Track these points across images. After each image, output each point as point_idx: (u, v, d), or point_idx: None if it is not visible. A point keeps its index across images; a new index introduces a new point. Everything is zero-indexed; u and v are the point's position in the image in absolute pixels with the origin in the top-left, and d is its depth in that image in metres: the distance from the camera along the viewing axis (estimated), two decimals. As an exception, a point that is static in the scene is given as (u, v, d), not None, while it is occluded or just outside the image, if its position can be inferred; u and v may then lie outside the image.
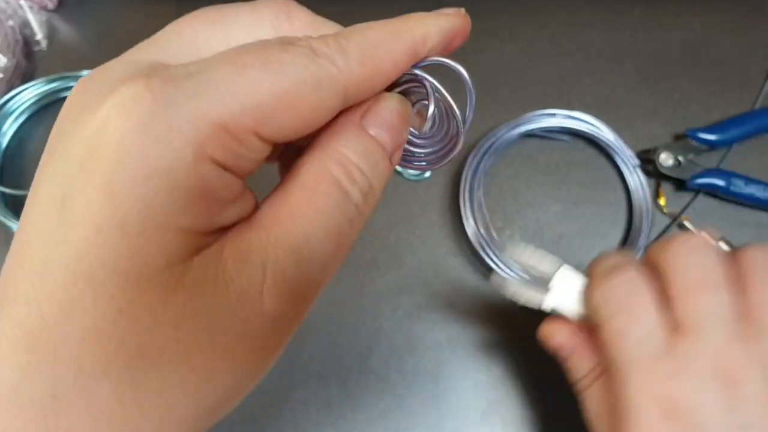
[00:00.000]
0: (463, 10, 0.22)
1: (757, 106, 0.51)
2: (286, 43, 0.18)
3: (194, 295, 0.16)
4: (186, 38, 0.19)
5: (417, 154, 0.23)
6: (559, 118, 0.49)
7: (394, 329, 0.45)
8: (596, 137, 0.49)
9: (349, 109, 0.19)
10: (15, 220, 0.46)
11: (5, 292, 0.16)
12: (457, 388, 0.43)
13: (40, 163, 0.18)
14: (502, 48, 0.54)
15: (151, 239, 0.16)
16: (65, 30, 0.55)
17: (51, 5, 0.55)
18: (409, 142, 0.22)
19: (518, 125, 0.49)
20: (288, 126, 0.17)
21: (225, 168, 0.17)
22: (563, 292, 0.33)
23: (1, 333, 0.16)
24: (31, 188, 0.17)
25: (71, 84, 0.51)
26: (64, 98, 0.55)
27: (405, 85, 0.21)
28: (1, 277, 0.17)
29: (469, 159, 0.48)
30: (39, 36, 0.54)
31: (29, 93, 0.51)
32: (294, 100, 0.17)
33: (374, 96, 0.20)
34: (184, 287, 0.16)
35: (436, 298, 0.45)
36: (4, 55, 0.51)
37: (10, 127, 0.51)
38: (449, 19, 0.22)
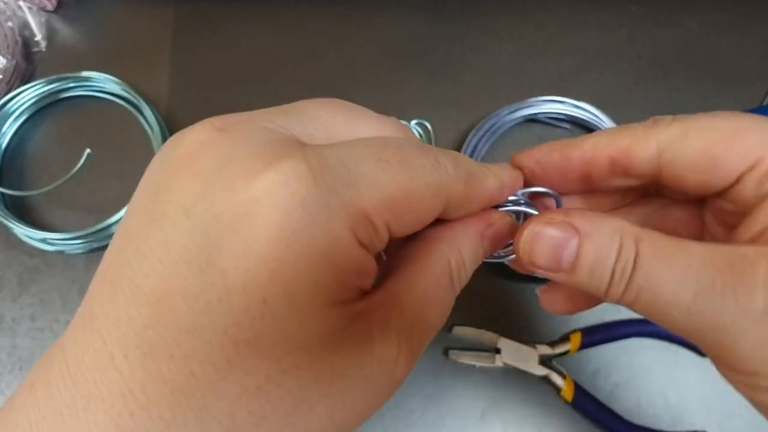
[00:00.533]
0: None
1: (765, 104, 0.51)
2: (416, 145, 0.20)
3: (349, 357, 0.18)
4: (324, 122, 0.21)
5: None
6: (563, 105, 0.49)
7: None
8: (598, 127, 0.49)
9: (473, 219, 0.23)
10: (14, 221, 0.46)
11: (137, 340, 0.16)
12: (456, 388, 0.43)
13: (146, 197, 0.19)
14: (500, 47, 0.54)
15: (319, 313, 0.17)
16: (65, 31, 0.55)
17: (50, 6, 0.55)
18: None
19: (522, 108, 0.49)
20: (409, 222, 0.20)
21: (366, 248, 0.19)
22: None
23: (138, 386, 0.16)
24: (139, 230, 0.18)
25: (71, 84, 0.51)
26: (64, 98, 0.55)
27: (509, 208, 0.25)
28: (129, 320, 0.17)
29: (469, 138, 0.48)
30: (38, 37, 0.54)
31: (29, 94, 0.51)
32: (419, 200, 0.20)
33: (496, 212, 0.24)
34: (341, 350, 0.18)
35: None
36: (4, 56, 0.51)
37: (10, 127, 0.51)
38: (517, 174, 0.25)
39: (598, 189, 0.25)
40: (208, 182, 0.17)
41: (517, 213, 0.25)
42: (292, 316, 0.17)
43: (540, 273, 0.22)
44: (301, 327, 0.17)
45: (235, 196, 0.17)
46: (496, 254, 0.25)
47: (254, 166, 0.17)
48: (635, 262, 0.20)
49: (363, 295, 0.20)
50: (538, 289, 0.28)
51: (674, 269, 0.19)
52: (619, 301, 0.21)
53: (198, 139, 0.19)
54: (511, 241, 0.25)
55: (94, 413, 0.16)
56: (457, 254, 0.22)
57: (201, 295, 0.16)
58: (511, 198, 0.24)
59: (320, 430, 0.18)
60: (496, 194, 0.23)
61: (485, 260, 0.25)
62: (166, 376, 0.16)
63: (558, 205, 0.25)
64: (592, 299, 0.26)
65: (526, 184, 0.25)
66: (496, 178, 0.23)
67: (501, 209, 0.24)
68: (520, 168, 0.25)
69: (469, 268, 0.23)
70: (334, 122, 0.21)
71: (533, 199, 0.25)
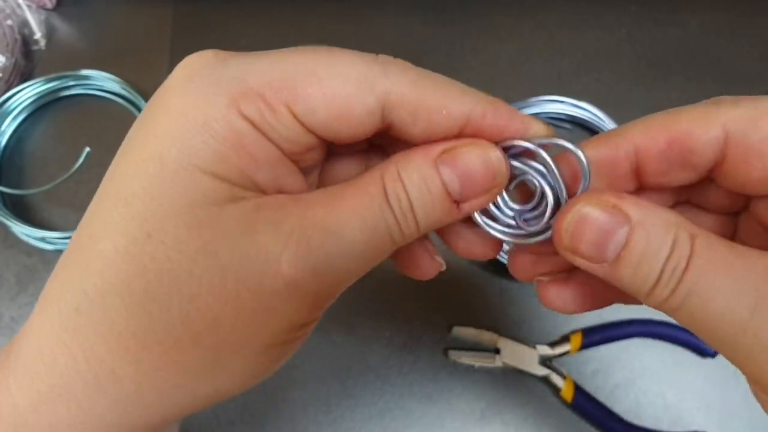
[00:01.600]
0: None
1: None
2: (361, 53, 0.19)
3: (219, 236, 0.17)
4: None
5: (501, 221, 0.22)
6: (563, 105, 0.49)
7: (393, 328, 0.45)
8: (599, 128, 0.49)
9: (433, 142, 0.20)
10: (14, 219, 0.46)
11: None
12: (456, 387, 0.43)
13: None
14: (500, 47, 0.54)
15: (186, 176, 0.17)
16: (64, 29, 0.55)
17: (50, 4, 0.55)
18: (497, 205, 0.22)
19: (522, 108, 0.49)
20: (320, 111, 0.18)
21: (260, 131, 0.18)
22: None
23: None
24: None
25: (70, 83, 0.51)
26: (63, 97, 0.55)
27: (519, 160, 0.21)
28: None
29: None
30: (38, 35, 0.54)
31: (28, 92, 0.50)
32: (332, 87, 0.18)
33: (469, 140, 0.20)
34: (212, 227, 0.17)
35: (436, 295, 0.45)
36: (3, 54, 0.51)
37: (9, 125, 0.50)
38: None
39: (649, 187, 0.22)
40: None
41: (524, 168, 0.21)
42: (160, 176, 0.17)
43: (579, 262, 0.19)
44: (167, 187, 0.17)
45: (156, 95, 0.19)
46: (524, 233, 0.21)
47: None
48: (688, 261, 0.17)
49: (260, 191, 0.19)
50: (537, 280, 0.24)
51: (731, 276, 0.17)
52: (661, 306, 0.18)
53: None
54: (542, 223, 0.21)
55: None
56: (393, 172, 0.19)
57: (114, 165, 0.19)
58: (527, 146, 0.20)
59: (183, 312, 0.17)
60: (475, 118, 0.19)
61: (507, 248, 0.21)
62: (73, 242, 0.19)
63: (585, 174, 0.20)
64: (602, 298, 0.23)
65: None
66: (474, 98, 0.19)
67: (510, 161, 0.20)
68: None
69: (416, 198, 0.19)
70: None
71: (558, 162, 0.21)
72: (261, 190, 0.19)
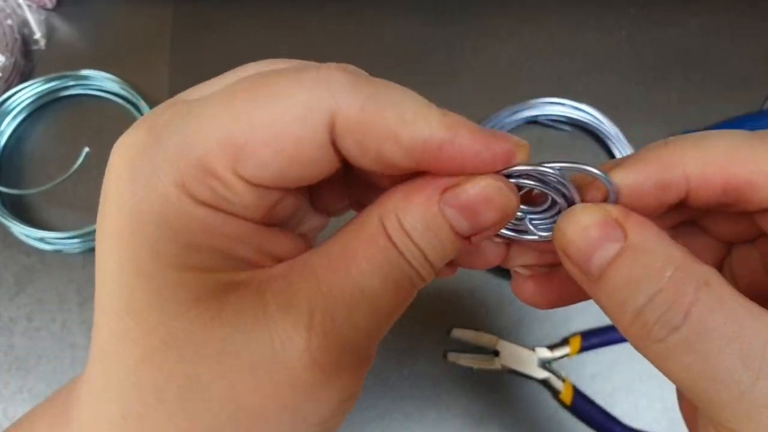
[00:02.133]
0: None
1: (766, 108, 0.51)
2: (297, 68, 0.16)
3: (234, 332, 0.16)
4: (232, 76, 0.18)
5: (531, 232, 0.21)
6: (563, 107, 0.49)
7: (392, 331, 0.45)
8: (599, 130, 0.49)
9: (432, 177, 0.17)
10: (13, 219, 0.46)
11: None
12: (455, 390, 0.43)
13: None
14: (500, 48, 0.54)
15: (168, 279, 0.16)
16: (64, 29, 0.55)
17: (50, 4, 0.55)
18: (520, 219, 0.21)
19: (522, 110, 0.49)
20: (270, 163, 0.16)
21: (218, 209, 0.16)
22: None
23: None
24: None
25: (70, 83, 0.51)
26: (63, 97, 0.55)
27: (523, 179, 0.19)
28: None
29: None
30: (37, 35, 0.54)
31: (28, 92, 0.50)
32: (276, 132, 0.16)
33: (467, 176, 0.18)
34: (222, 324, 0.16)
35: (436, 297, 0.45)
36: (3, 53, 0.51)
37: (9, 125, 0.50)
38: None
39: (690, 217, 0.20)
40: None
41: (546, 193, 0.19)
42: (144, 285, 0.16)
43: (569, 267, 0.18)
44: (157, 295, 0.16)
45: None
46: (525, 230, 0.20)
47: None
48: (688, 311, 0.15)
49: (252, 266, 0.18)
50: (515, 271, 0.22)
51: (739, 338, 0.15)
52: (644, 349, 0.17)
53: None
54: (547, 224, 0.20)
55: None
56: (394, 221, 0.17)
57: (98, 276, 0.18)
58: (546, 171, 0.18)
59: (224, 413, 0.16)
60: (430, 150, 0.16)
61: (503, 236, 0.20)
62: (93, 353, 0.18)
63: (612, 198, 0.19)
64: (574, 297, 0.21)
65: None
66: (428, 122, 0.16)
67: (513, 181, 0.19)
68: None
69: (427, 248, 0.17)
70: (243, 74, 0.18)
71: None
72: (254, 265, 0.18)
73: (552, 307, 0.22)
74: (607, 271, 0.17)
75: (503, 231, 0.21)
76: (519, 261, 0.22)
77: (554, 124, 0.50)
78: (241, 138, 0.16)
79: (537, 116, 0.50)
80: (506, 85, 0.52)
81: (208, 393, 0.16)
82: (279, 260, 0.18)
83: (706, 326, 0.15)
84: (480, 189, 0.17)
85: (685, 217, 0.21)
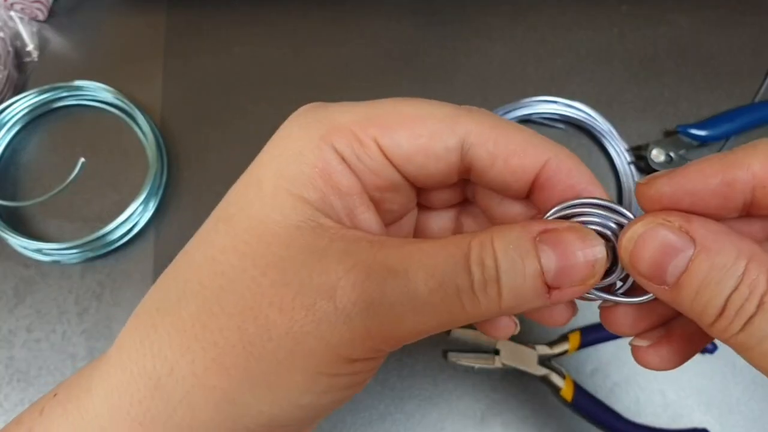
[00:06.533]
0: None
1: (757, 100, 0.51)
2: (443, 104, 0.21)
3: (290, 254, 0.19)
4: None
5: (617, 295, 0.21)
6: (556, 105, 0.50)
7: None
8: (592, 127, 0.49)
9: (537, 220, 0.20)
10: (10, 232, 0.46)
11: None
12: (456, 389, 0.43)
13: None
14: (492, 48, 0.54)
15: (277, 197, 0.19)
16: (56, 41, 0.55)
17: (42, 16, 0.55)
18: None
19: (516, 109, 0.50)
20: (405, 145, 0.20)
21: (347, 162, 0.20)
22: None
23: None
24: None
25: (63, 94, 0.51)
26: (57, 108, 0.55)
27: (582, 217, 0.20)
28: None
29: None
30: (30, 47, 0.54)
31: (21, 104, 0.50)
32: (414, 121, 0.20)
33: (569, 224, 0.19)
34: (287, 245, 0.19)
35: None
36: (-4, 66, 0.51)
37: (3, 138, 0.50)
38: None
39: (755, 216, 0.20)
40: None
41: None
42: (257, 200, 0.20)
43: (641, 281, 0.18)
44: (263, 205, 0.19)
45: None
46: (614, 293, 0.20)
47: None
48: (762, 301, 0.16)
49: (338, 220, 0.20)
50: (633, 345, 0.21)
51: None
52: (728, 341, 0.17)
53: None
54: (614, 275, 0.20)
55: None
56: (486, 238, 0.18)
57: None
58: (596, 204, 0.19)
59: (262, 314, 0.18)
60: (550, 168, 0.20)
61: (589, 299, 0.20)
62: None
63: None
64: (698, 347, 0.21)
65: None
66: (552, 148, 0.20)
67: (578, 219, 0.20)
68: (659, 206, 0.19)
69: (506, 269, 0.18)
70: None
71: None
72: (338, 220, 0.20)
73: (682, 364, 0.21)
74: (683, 278, 0.17)
75: (593, 292, 0.20)
76: (635, 328, 0.22)
77: (548, 122, 0.50)
78: (388, 119, 0.20)
79: (530, 115, 0.50)
80: (499, 84, 0.53)
81: (239, 295, 0.19)
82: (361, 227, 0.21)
83: None
84: (579, 240, 0.18)
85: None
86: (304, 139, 0.20)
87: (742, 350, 0.17)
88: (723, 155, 0.18)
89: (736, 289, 0.16)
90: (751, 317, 0.16)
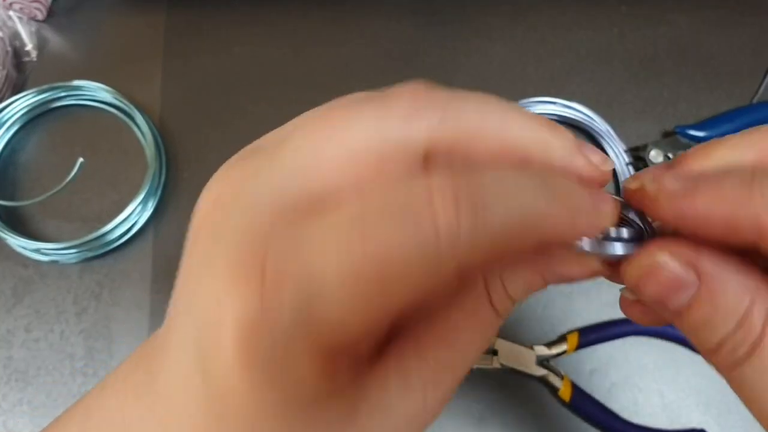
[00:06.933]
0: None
1: (756, 101, 0.51)
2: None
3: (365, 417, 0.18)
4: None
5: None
6: (555, 106, 0.50)
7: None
8: (591, 128, 0.49)
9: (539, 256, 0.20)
10: (8, 232, 0.46)
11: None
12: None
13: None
14: (492, 49, 0.54)
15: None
16: (55, 40, 0.55)
17: (41, 16, 0.55)
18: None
19: None
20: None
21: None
22: None
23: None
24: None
25: (62, 94, 0.51)
26: (56, 108, 0.55)
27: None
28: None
29: None
30: (29, 47, 0.54)
31: (20, 104, 0.50)
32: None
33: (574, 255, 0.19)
34: (357, 412, 0.18)
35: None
36: (-5, 66, 0.51)
37: (2, 138, 0.50)
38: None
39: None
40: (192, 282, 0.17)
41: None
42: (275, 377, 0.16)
43: (643, 299, 0.18)
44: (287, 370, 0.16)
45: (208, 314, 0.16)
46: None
47: (222, 285, 0.16)
48: (757, 342, 0.16)
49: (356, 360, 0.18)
50: (623, 297, 0.22)
51: None
52: (725, 375, 0.17)
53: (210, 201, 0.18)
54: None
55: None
56: (495, 279, 0.19)
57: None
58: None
59: None
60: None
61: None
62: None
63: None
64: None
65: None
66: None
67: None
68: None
69: (518, 295, 0.19)
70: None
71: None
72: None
73: (661, 325, 0.21)
74: (684, 312, 0.17)
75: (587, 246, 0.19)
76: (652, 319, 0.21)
77: (547, 122, 0.50)
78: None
79: (529, 115, 0.50)
80: (499, 85, 0.52)
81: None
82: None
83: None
84: (581, 265, 0.19)
85: None
86: (215, 294, 0.15)
87: (737, 388, 0.17)
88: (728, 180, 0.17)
89: (733, 333, 0.16)
90: (743, 361, 0.16)
